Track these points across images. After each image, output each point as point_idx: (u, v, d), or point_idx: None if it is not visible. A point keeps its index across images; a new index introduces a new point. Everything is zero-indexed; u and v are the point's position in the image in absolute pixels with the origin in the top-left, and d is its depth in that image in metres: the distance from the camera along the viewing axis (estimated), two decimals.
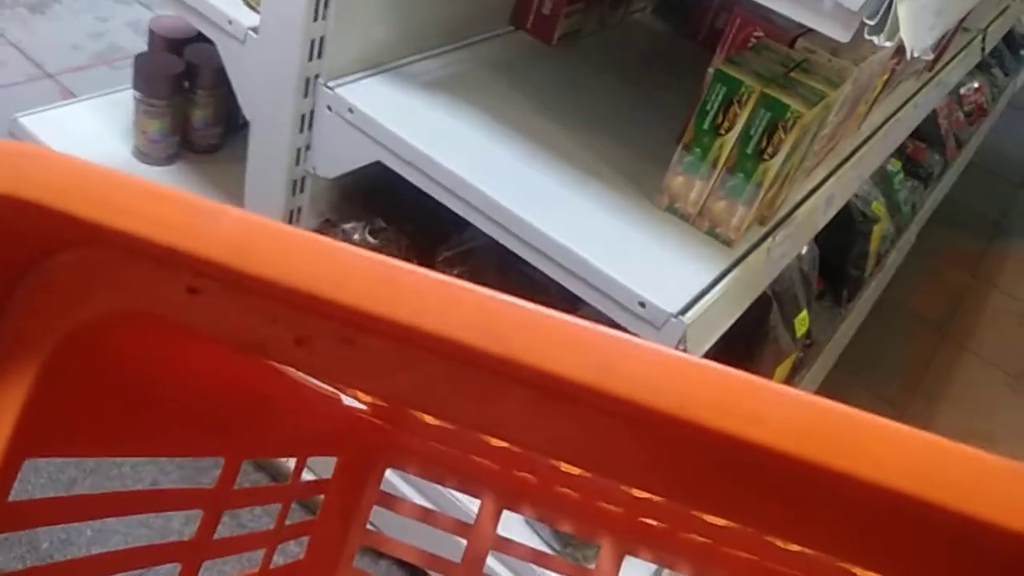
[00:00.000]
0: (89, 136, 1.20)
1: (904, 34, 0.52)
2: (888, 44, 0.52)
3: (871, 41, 0.57)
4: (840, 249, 1.37)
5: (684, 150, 0.81)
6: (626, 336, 0.22)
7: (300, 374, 0.44)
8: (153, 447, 0.38)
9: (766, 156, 0.77)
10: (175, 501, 0.41)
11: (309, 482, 0.55)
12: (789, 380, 1.16)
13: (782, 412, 0.21)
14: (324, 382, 0.46)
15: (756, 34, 0.86)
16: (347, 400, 0.53)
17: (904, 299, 1.94)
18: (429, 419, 0.50)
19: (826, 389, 1.47)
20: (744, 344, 1.02)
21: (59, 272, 0.26)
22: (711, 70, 0.84)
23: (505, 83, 0.96)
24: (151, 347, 0.32)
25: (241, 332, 0.26)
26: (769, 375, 1.05)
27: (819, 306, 1.30)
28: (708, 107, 0.78)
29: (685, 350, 0.75)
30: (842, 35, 0.56)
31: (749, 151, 0.77)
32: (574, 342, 0.22)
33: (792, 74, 0.79)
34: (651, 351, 0.22)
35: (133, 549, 0.36)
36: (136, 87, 1.14)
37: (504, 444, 0.46)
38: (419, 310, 0.22)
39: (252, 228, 0.23)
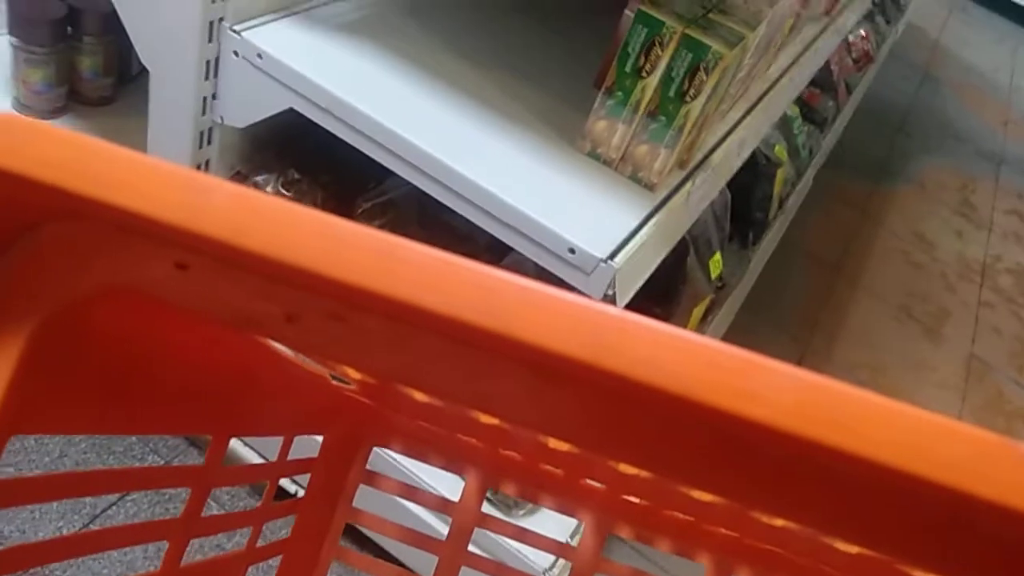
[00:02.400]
0: None
1: None
2: None
3: None
4: (745, 192, 1.41)
5: (606, 94, 0.80)
6: (623, 313, 0.22)
7: (288, 351, 0.44)
8: (140, 425, 0.38)
9: (688, 98, 0.77)
10: (163, 479, 0.41)
11: (295, 461, 0.54)
12: (703, 322, 1.20)
13: (777, 388, 0.21)
14: (314, 359, 0.46)
15: None
16: (334, 378, 0.53)
17: (801, 240, 2.03)
18: (417, 397, 0.50)
19: (734, 330, 1.53)
20: (663, 287, 1.04)
21: (45, 246, 0.25)
22: (629, 12, 0.84)
23: (418, 26, 0.93)
24: (138, 323, 0.31)
25: (230, 308, 0.26)
26: (687, 317, 1.08)
27: (727, 249, 1.33)
28: (630, 49, 0.77)
29: (614, 295, 0.76)
30: None
31: (671, 94, 0.78)
32: (570, 318, 0.22)
33: (710, 15, 0.79)
34: (647, 328, 0.22)
35: (120, 527, 0.36)
36: (13, 32, 1.05)
37: (491, 422, 0.46)
38: (414, 285, 0.22)
39: (247, 202, 0.23)
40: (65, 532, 0.95)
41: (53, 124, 1.10)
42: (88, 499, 0.99)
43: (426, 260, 0.22)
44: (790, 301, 1.86)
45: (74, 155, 0.23)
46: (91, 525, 0.96)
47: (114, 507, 0.98)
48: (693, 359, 0.21)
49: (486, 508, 0.55)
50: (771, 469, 0.23)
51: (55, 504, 0.98)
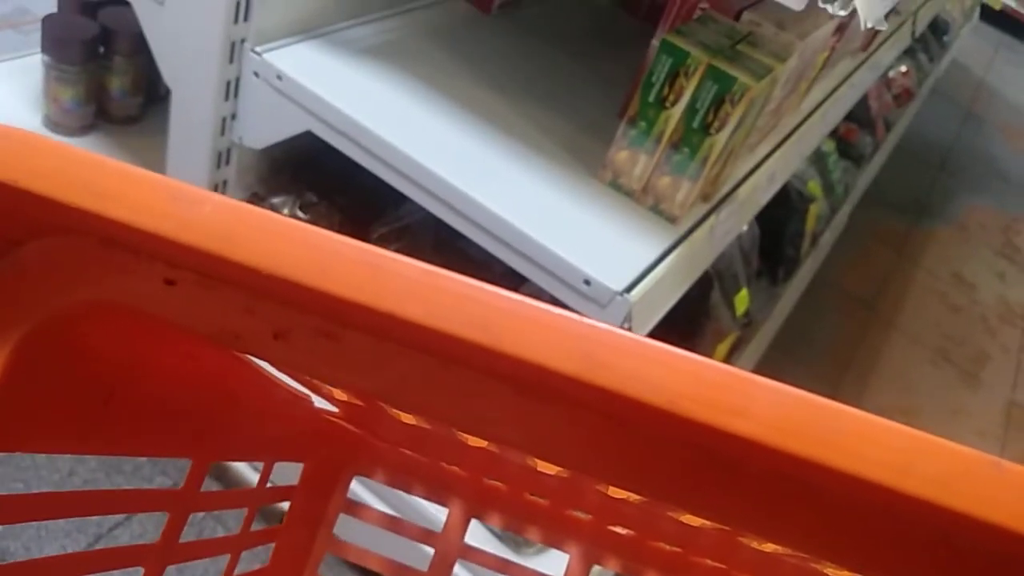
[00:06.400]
0: None
1: (858, 2, 0.51)
2: (842, 13, 0.50)
3: (822, 11, 0.55)
4: (777, 228, 1.37)
5: (629, 124, 0.79)
6: (613, 328, 0.22)
7: (272, 374, 0.43)
8: (120, 446, 0.37)
9: (712, 130, 0.75)
10: (141, 502, 0.40)
11: (275, 488, 0.54)
12: (729, 359, 1.16)
13: (764, 404, 0.21)
14: (299, 379, 0.45)
15: (702, 5, 0.84)
16: (318, 402, 0.52)
17: (835, 278, 1.98)
18: (403, 419, 0.49)
19: (761, 368, 1.49)
20: (685, 323, 1.01)
21: (30, 261, 0.25)
22: (655, 41, 0.82)
23: (443, 52, 0.92)
24: (120, 341, 0.31)
25: (218, 325, 0.26)
26: (709, 354, 1.05)
27: (756, 285, 1.30)
28: (654, 79, 0.76)
29: (630, 328, 0.73)
30: (796, 3, 0.54)
31: (695, 125, 0.75)
32: (560, 333, 0.22)
33: (738, 47, 0.77)
34: (638, 344, 0.22)
35: (95, 552, 0.35)
36: (46, 51, 1.06)
37: (478, 446, 0.45)
38: (402, 298, 0.22)
39: (236, 215, 0.23)
40: (70, 550, 0.94)
41: (80, 142, 1.11)
42: (95, 517, 0.98)
43: (414, 273, 0.22)
44: (822, 341, 1.82)
45: (62, 166, 0.23)
46: (96, 544, 0.95)
47: (120, 527, 0.97)
48: (680, 374, 0.21)
49: (497, 546, 0.54)
50: (757, 486, 0.23)
51: (62, 522, 0.97)
